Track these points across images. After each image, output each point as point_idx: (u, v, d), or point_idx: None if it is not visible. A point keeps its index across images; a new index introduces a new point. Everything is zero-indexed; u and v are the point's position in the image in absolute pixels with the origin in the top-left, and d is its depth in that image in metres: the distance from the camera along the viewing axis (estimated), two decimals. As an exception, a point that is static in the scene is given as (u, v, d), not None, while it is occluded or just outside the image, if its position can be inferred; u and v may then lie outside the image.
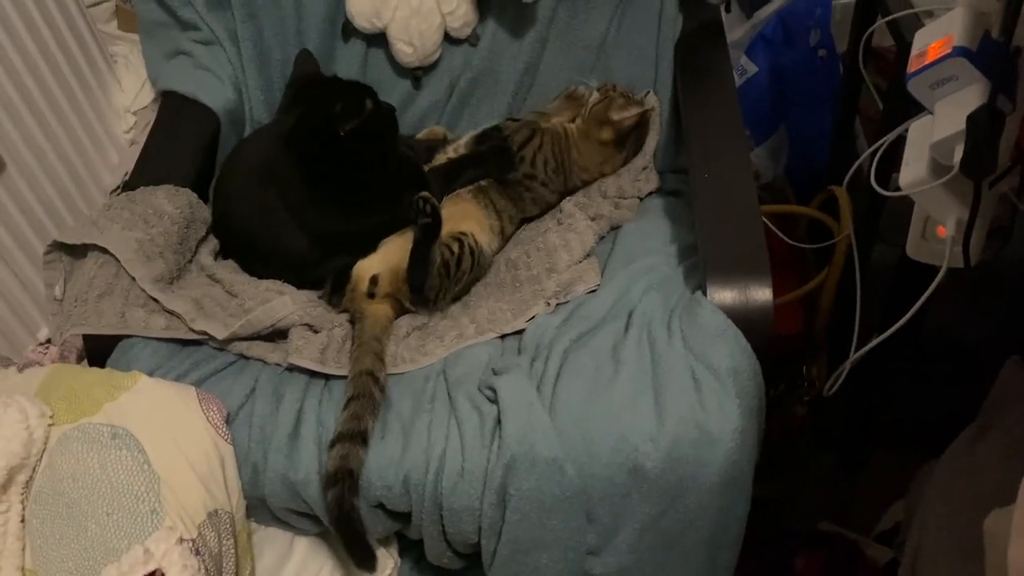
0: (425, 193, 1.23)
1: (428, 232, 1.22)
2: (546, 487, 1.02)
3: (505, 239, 1.39)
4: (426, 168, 1.38)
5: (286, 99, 1.38)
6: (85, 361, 1.19)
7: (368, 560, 1.08)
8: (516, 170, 1.37)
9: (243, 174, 1.31)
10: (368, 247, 1.28)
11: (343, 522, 1.05)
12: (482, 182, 1.37)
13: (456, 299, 1.29)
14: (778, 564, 1.52)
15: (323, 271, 1.29)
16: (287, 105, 1.35)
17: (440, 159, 1.40)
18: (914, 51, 0.96)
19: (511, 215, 1.39)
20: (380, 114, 1.29)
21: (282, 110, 1.38)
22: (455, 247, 1.25)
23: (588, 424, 1.03)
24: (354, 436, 1.06)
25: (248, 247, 1.30)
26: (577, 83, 1.47)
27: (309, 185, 1.26)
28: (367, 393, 1.09)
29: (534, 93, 1.49)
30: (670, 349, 1.07)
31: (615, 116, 1.38)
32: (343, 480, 1.04)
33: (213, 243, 1.32)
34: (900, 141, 1.07)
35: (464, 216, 1.32)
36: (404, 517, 1.11)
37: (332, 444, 1.06)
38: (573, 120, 1.44)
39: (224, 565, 0.99)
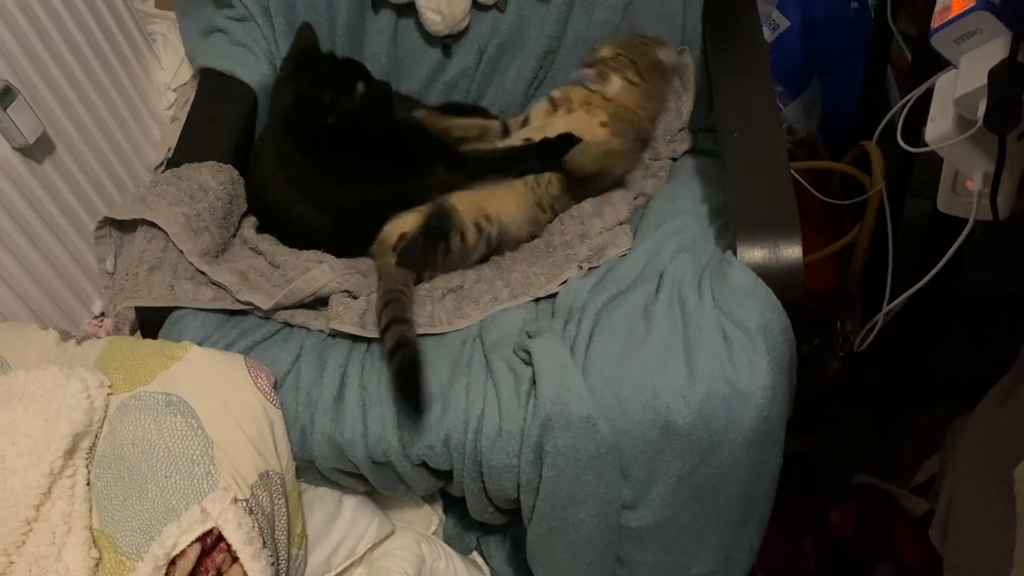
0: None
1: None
2: (581, 444, 1.05)
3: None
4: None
5: (283, 73, 1.38)
6: (138, 333, 1.24)
7: (418, 408, 1.09)
8: None
9: (265, 154, 1.35)
10: (378, 221, 1.30)
11: (404, 375, 1.09)
12: None
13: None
14: (814, 515, 1.54)
15: (349, 245, 1.31)
16: (284, 79, 1.35)
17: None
18: (939, 5, 0.95)
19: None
20: (373, 95, 1.29)
21: (279, 85, 1.38)
22: (471, 237, 1.27)
23: (620, 383, 1.05)
24: (399, 320, 1.12)
25: (278, 223, 1.34)
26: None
27: (309, 163, 1.28)
28: (397, 298, 1.16)
29: (561, 56, 1.49)
30: (700, 308, 1.08)
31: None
32: (403, 347, 1.10)
33: (254, 217, 1.36)
34: (930, 94, 1.06)
35: (500, 195, 1.32)
36: (446, 475, 1.15)
37: (384, 330, 1.12)
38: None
39: (276, 524, 1.03)
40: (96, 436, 0.98)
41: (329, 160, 1.28)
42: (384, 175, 1.30)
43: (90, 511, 0.95)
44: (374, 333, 1.16)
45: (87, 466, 0.96)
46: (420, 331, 1.18)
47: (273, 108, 1.37)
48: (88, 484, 0.96)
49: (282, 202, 1.33)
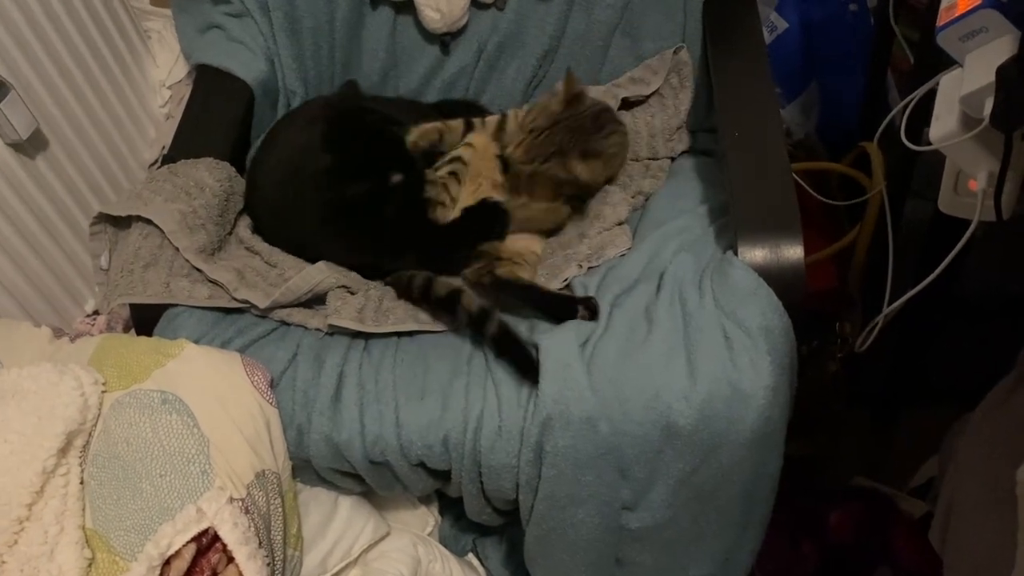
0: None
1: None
2: (581, 445, 1.04)
3: None
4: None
5: (324, 123, 1.32)
6: (132, 331, 1.23)
7: (533, 370, 1.07)
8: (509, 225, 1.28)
9: (273, 171, 1.33)
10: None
11: (509, 341, 1.09)
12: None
13: None
14: (812, 518, 1.54)
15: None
16: (323, 135, 1.30)
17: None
18: (944, 3, 0.95)
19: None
20: (404, 189, 1.25)
21: (317, 131, 1.32)
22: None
23: (622, 383, 1.05)
24: (459, 290, 1.14)
25: (275, 237, 1.32)
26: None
27: (324, 226, 1.27)
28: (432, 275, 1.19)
29: (560, 55, 1.49)
30: (701, 308, 1.08)
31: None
32: (486, 313, 1.10)
33: (248, 218, 1.35)
34: (932, 95, 1.06)
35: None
36: (444, 475, 1.14)
37: (453, 299, 1.13)
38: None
39: (272, 524, 1.02)
40: (90, 434, 0.97)
41: (342, 229, 1.27)
42: (384, 253, 1.28)
43: (83, 510, 0.93)
44: (372, 328, 1.15)
45: (81, 465, 0.95)
46: (420, 328, 1.17)
47: (306, 140, 1.32)
48: (81, 483, 0.95)
49: (281, 218, 1.32)
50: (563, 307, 1.14)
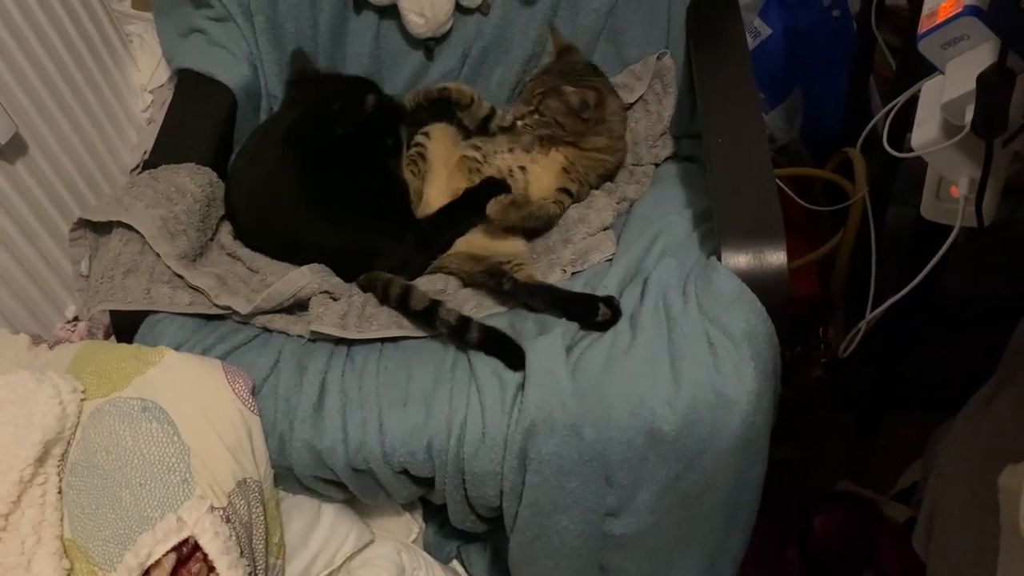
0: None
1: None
2: (565, 451, 1.04)
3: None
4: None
5: (285, 100, 1.38)
6: (113, 337, 1.21)
7: (519, 359, 1.08)
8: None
9: (250, 175, 1.33)
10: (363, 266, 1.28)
11: (493, 340, 1.11)
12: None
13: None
14: (797, 523, 1.54)
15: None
16: (286, 103, 1.35)
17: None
18: (925, 11, 0.95)
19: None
20: (384, 111, 1.27)
21: (281, 109, 1.37)
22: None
23: (606, 389, 1.04)
24: (440, 303, 1.15)
25: (256, 242, 1.32)
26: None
27: (306, 198, 1.27)
28: (411, 286, 1.20)
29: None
30: (685, 314, 1.08)
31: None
32: (465, 321, 1.12)
33: (230, 224, 1.34)
34: (915, 101, 1.06)
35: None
36: (428, 482, 1.13)
37: (431, 311, 1.14)
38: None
39: (254, 532, 1.01)
40: (68, 443, 0.96)
41: (328, 187, 1.27)
42: (372, 212, 1.28)
43: (61, 520, 0.92)
44: (355, 334, 1.15)
45: (59, 474, 0.94)
46: (402, 334, 1.16)
47: (273, 127, 1.35)
48: (60, 492, 0.94)
49: (263, 225, 1.31)
50: (585, 306, 1.14)
